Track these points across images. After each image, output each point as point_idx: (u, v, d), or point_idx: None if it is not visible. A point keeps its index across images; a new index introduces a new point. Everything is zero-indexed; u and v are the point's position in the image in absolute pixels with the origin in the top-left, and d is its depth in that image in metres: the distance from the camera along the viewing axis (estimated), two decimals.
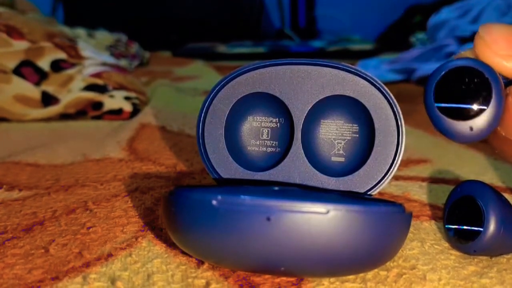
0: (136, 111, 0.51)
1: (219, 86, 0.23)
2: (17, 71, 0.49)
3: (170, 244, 0.22)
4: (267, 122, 0.24)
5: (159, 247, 0.22)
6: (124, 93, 0.52)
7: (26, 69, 0.49)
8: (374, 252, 0.17)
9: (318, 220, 0.16)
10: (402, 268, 0.20)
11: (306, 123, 0.23)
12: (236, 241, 0.16)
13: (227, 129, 0.24)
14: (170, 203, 0.18)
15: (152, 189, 0.29)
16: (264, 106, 0.24)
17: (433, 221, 0.25)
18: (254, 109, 0.24)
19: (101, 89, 0.51)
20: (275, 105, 0.24)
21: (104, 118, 0.51)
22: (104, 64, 0.55)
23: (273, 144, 0.24)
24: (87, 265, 0.20)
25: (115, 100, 0.51)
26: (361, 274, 0.19)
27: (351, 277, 0.19)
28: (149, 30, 1.39)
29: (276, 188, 0.21)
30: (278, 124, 0.24)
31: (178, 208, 0.18)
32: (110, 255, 0.21)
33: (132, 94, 0.52)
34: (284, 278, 0.19)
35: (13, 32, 0.50)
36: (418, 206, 0.27)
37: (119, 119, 0.50)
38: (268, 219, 0.16)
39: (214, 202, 0.16)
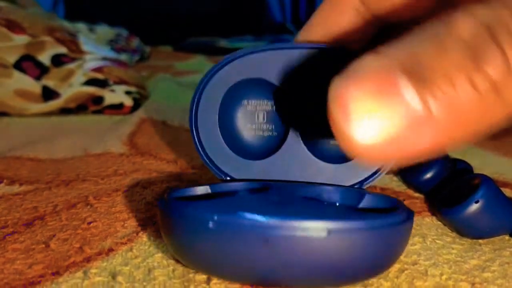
0: (136, 105, 0.51)
1: (210, 74, 0.23)
2: (18, 65, 0.48)
3: None
4: (262, 105, 0.24)
5: (160, 242, 0.22)
6: (124, 88, 0.51)
7: (27, 63, 0.49)
8: (377, 265, 0.17)
9: (318, 239, 0.15)
10: (404, 264, 0.20)
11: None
12: (234, 262, 0.16)
13: (221, 117, 0.23)
14: (166, 215, 0.18)
15: (153, 184, 0.29)
16: (257, 90, 0.23)
17: (434, 217, 0.24)
18: (248, 93, 0.24)
19: (102, 84, 0.51)
20: (269, 88, 0.23)
21: (104, 112, 0.51)
22: (104, 58, 0.55)
23: (269, 128, 0.24)
24: (88, 260, 0.20)
25: (115, 95, 0.51)
26: None
27: None
28: (149, 24, 1.38)
29: (275, 197, 0.20)
30: (274, 107, 0.24)
31: (173, 222, 0.17)
32: (111, 249, 0.21)
33: (133, 89, 0.52)
34: None
35: (13, 26, 0.50)
36: (419, 202, 0.27)
37: (119, 114, 0.50)
38: (267, 241, 0.15)
39: (210, 224, 0.16)
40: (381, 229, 0.16)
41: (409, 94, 0.12)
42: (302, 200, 0.21)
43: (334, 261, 0.16)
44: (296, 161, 0.23)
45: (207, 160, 0.23)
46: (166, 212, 0.18)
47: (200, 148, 0.23)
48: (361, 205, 0.21)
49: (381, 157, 0.12)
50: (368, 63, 0.12)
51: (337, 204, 0.21)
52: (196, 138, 0.23)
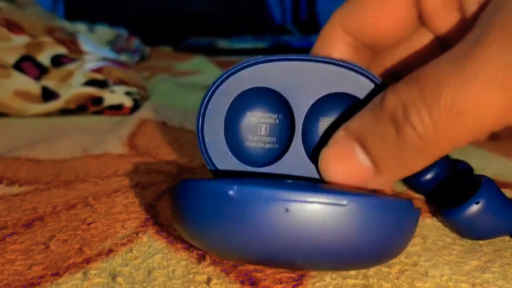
0: (136, 106, 0.51)
1: (220, 80, 0.23)
2: (17, 66, 0.48)
3: (171, 240, 0.22)
4: (265, 118, 0.24)
5: (160, 243, 0.22)
6: (124, 88, 0.51)
7: (26, 64, 0.49)
8: (391, 244, 0.17)
9: (338, 211, 0.15)
10: (404, 265, 0.20)
11: (305, 120, 0.23)
12: (253, 232, 0.16)
13: (226, 123, 0.23)
14: (180, 194, 0.17)
15: (153, 185, 0.29)
16: (263, 101, 0.24)
17: (435, 218, 0.24)
18: (253, 104, 0.24)
19: (102, 84, 0.51)
20: (275, 100, 0.24)
21: (104, 113, 0.51)
22: (104, 59, 0.55)
23: (271, 141, 0.24)
24: (88, 261, 0.20)
25: (115, 95, 0.50)
26: (363, 271, 0.19)
27: (352, 273, 0.19)
28: (150, 24, 1.38)
29: (290, 181, 0.20)
30: (277, 120, 0.24)
31: (190, 199, 0.17)
32: (110, 250, 0.21)
33: (133, 89, 0.52)
34: (285, 274, 0.19)
35: (13, 26, 0.50)
36: (419, 203, 0.27)
37: (119, 115, 0.50)
38: (287, 210, 0.15)
39: (231, 192, 0.16)
40: (397, 206, 0.17)
41: (361, 156, 0.19)
42: (317, 182, 0.21)
43: (351, 235, 0.16)
44: (298, 170, 0.23)
45: (211, 165, 0.23)
46: (182, 192, 0.17)
47: (204, 153, 0.24)
48: None
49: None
50: (338, 136, 0.20)
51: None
52: (201, 143, 0.23)
